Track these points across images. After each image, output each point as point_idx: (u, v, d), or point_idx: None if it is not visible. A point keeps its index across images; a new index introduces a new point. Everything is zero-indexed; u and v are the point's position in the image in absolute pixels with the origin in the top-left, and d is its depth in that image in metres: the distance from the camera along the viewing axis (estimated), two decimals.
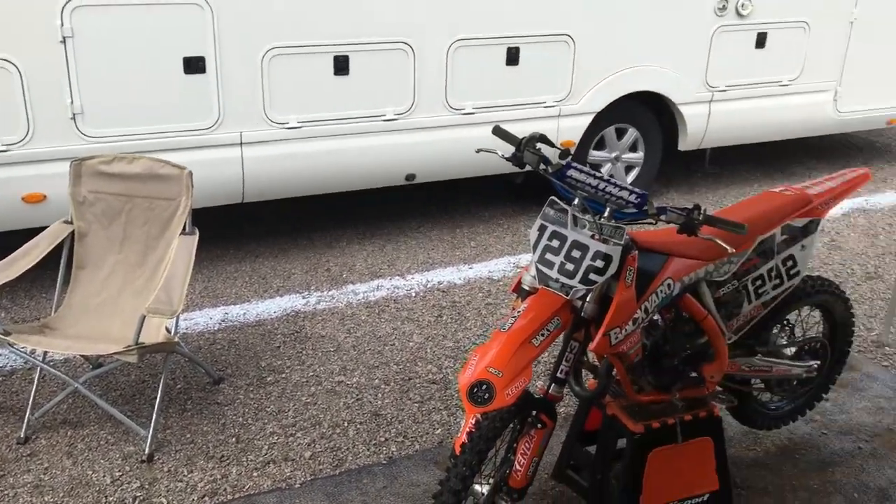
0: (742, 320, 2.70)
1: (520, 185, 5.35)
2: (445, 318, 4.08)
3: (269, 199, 4.56)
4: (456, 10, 4.50)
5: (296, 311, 4.11)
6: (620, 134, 5.32)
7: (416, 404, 3.40)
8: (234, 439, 3.16)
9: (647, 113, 5.32)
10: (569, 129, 5.01)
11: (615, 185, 2.30)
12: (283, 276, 4.47)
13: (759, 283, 2.67)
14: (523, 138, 2.44)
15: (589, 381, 2.81)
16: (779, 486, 2.95)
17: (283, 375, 3.58)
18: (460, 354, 3.76)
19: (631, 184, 5.45)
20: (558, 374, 2.40)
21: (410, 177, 4.74)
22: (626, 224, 2.30)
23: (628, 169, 5.46)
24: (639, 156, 5.42)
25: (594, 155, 5.29)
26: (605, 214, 2.29)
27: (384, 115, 4.51)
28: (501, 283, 4.44)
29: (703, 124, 5.41)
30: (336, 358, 3.71)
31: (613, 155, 5.35)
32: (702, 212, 2.21)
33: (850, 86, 5.82)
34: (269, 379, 3.55)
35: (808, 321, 3.14)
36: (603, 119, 5.14)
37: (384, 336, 3.91)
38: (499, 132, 2.52)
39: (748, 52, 5.37)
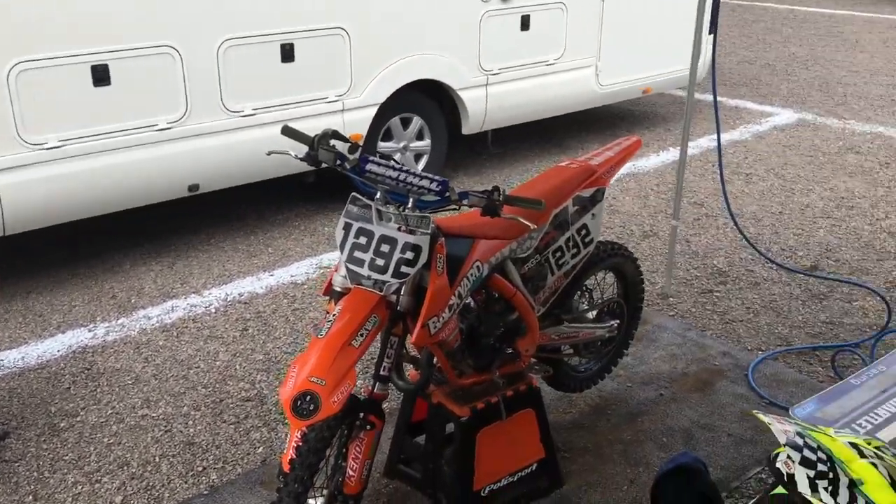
0: (548, 292, 2.80)
1: (312, 184, 5.23)
2: (252, 331, 3.90)
3: (37, 229, 4.12)
4: (223, 7, 4.28)
5: (83, 347, 3.75)
6: (406, 123, 5.35)
7: (232, 426, 3.22)
8: (30, 497, 2.83)
9: (429, 101, 5.39)
10: (355, 123, 4.95)
11: (415, 174, 2.28)
12: (62, 311, 4.06)
13: (559, 254, 2.77)
14: (316, 136, 2.36)
15: (410, 372, 2.80)
16: (596, 443, 3.11)
17: (79, 419, 3.25)
18: (272, 366, 3.61)
19: (422, 171, 5.51)
20: (381, 372, 2.35)
21: (194, 187, 4.47)
22: (430, 212, 2.29)
23: (417, 157, 5.51)
24: (426, 143, 5.49)
25: (382, 146, 5.28)
26: (409, 205, 2.26)
27: (156, 125, 4.21)
28: (306, 286, 4.32)
29: (482, 107, 5.57)
30: (136, 391, 3.43)
31: (402, 145, 5.38)
32: (501, 192, 2.25)
33: (608, 60, 6.24)
34: (62, 425, 3.21)
35: (604, 284, 3.32)
36: (388, 110, 5.14)
37: (187, 359, 3.67)
38: (289, 132, 2.41)
39: (515, 34, 5.59)
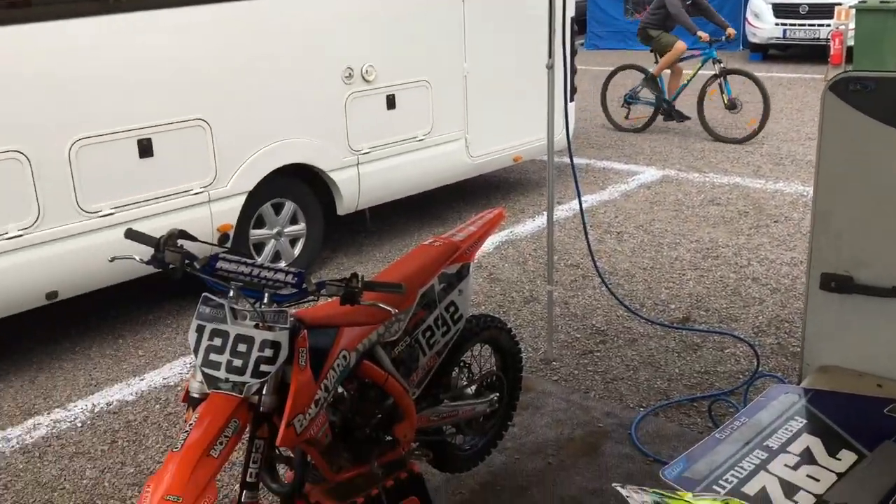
0: (421, 373, 2.76)
1: (182, 279, 5.04)
2: (121, 443, 3.66)
3: None
4: (74, 107, 4.14)
5: None
6: (278, 209, 5.28)
7: None
8: None
9: (300, 184, 5.35)
10: (223, 213, 4.84)
11: (269, 268, 2.22)
12: None
13: (428, 334, 2.74)
14: (161, 237, 2.27)
15: (287, 473, 2.67)
16: None
17: None
18: (144, 479, 3.38)
19: (298, 255, 5.43)
20: (248, 479, 2.23)
21: (52, 295, 4.23)
22: (288, 306, 2.22)
23: (293, 242, 5.43)
24: (301, 227, 5.42)
25: (255, 234, 5.18)
26: (265, 300, 2.19)
27: (6, 234, 3.98)
28: (179, 387, 4.12)
29: (354, 187, 5.57)
30: None
31: (275, 230, 5.29)
32: (359, 279, 2.21)
33: (476, 132, 6.39)
34: None
35: (481, 358, 3.30)
36: (258, 197, 5.06)
37: (51, 481, 3.40)
38: (132, 235, 2.31)
39: (381, 113, 5.65)
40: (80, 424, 3.83)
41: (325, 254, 5.86)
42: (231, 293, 2.20)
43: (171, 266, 2.24)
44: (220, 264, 2.22)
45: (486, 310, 4.87)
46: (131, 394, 4.09)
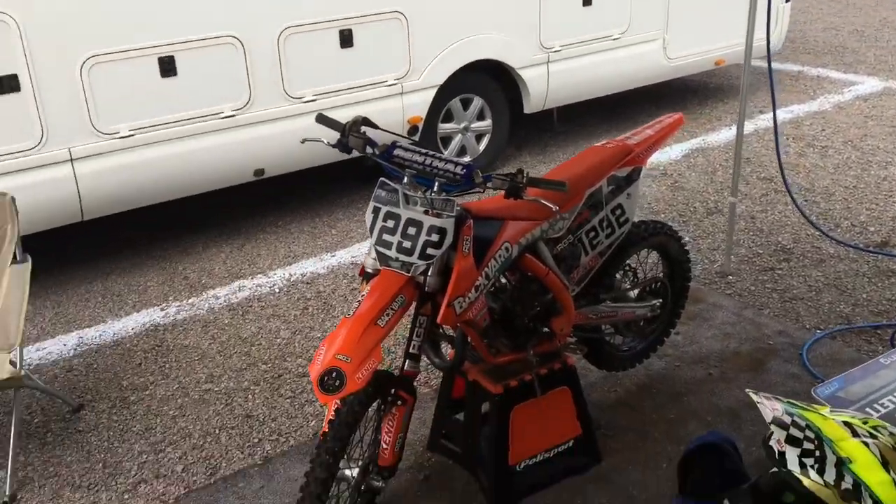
0: (582, 271, 2.82)
1: (372, 167, 5.34)
2: (311, 310, 4.06)
3: (113, 214, 4.39)
4: None
5: (155, 325, 3.99)
6: (466, 104, 5.39)
7: (288, 400, 3.38)
8: (100, 465, 3.05)
9: (490, 81, 5.41)
10: (414, 106, 5.04)
11: (441, 159, 2.34)
12: (138, 291, 4.32)
13: (592, 234, 2.79)
14: (347, 123, 2.44)
15: (450, 352, 2.87)
16: (640, 421, 3.12)
17: (148, 392, 3.47)
18: None
19: (483, 151, 5.56)
20: (411, 350, 2.44)
21: (259, 172, 4.66)
22: (455, 195, 2.35)
23: (479, 137, 5.55)
24: (487, 124, 5.52)
25: (443, 128, 5.34)
26: (435, 189, 2.33)
27: (221, 113, 4.40)
28: None
29: (543, 86, 5.55)
30: (202, 366, 3.64)
31: (462, 125, 5.43)
32: (524, 175, 2.28)
33: (676, 33, 6.10)
34: (132, 398, 3.44)
35: (648, 263, 3.30)
36: (447, 91, 5.20)
37: (250, 337, 3.85)
38: (322, 119, 2.51)
39: (576, 10, 5.53)
40: (277, 290, 4.27)
41: (510, 151, 5.94)
42: (405, 180, 2.36)
43: (354, 151, 2.42)
44: (397, 152, 2.37)
45: (665, 217, 4.79)
46: (323, 267, 4.48)
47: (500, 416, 2.67)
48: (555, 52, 5.51)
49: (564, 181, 2.31)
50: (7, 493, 2.88)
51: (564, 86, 5.68)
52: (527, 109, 5.63)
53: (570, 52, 5.59)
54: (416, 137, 5.08)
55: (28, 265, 3.08)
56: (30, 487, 2.95)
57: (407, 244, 2.30)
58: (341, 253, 4.64)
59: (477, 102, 5.41)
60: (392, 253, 2.31)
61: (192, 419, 3.29)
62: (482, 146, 5.56)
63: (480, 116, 5.48)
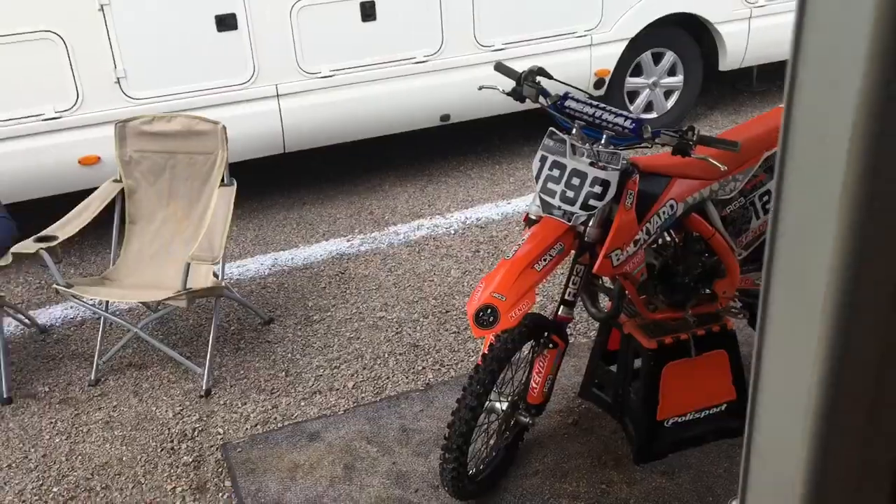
0: (751, 236, 2.76)
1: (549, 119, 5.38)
2: (482, 253, 4.22)
3: (310, 148, 4.75)
4: None
5: (340, 254, 4.32)
6: (658, 59, 5.27)
7: (453, 335, 3.58)
8: (283, 373, 3.40)
9: (685, 35, 5.25)
10: (602, 58, 5.00)
11: (611, 112, 2.37)
12: (328, 221, 4.68)
13: (766, 198, 2.71)
14: (522, 72, 2.53)
15: (608, 304, 2.92)
16: None
17: (329, 314, 3.80)
18: None
19: (671, 107, 5.43)
20: (566, 297, 2.53)
21: (445, 117, 4.84)
22: (622, 149, 2.38)
23: (668, 94, 5.42)
24: (678, 80, 5.37)
25: (631, 82, 5.27)
26: (602, 141, 2.37)
27: (414, 58, 4.60)
28: None
29: (742, 42, 5.31)
30: (377, 295, 3.91)
31: (651, 80, 5.32)
32: (695, 132, 2.27)
33: None
34: (315, 317, 3.78)
35: None
36: (638, 45, 5.11)
37: (423, 273, 4.08)
38: (500, 68, 2.61)
39: None
40: (452, 232, 4.46)
41: (700, 109, 5.75)
42: (574, 131, 2.41)
43: (527, 100, 2.50)
44: (568, 103, 2.43)
45: None
46: (498, 214, 4.62)
47: (651, 371, 2.70)
48: (758, 6, 5.23)
49: (737, 141, 2.27)
50: (204, 387, 3.29)
51: (766, 43, 5.39)
52: (722, 66, 5.41)
53: (776, 6, 5.28)
54: (603, 91, 5.05)
55: (234, 188, 3.44)
56: (222, 385, 3.35)
57: (570, 194, 2.36)
58: (516, 201, 4.75)
59: (669, 57, 5.27)
60: (555, 201, 2.39)
61: (365, 342, 3.57)
62: (670, 103, 5.42)
63: (671, 72, 5.34)
